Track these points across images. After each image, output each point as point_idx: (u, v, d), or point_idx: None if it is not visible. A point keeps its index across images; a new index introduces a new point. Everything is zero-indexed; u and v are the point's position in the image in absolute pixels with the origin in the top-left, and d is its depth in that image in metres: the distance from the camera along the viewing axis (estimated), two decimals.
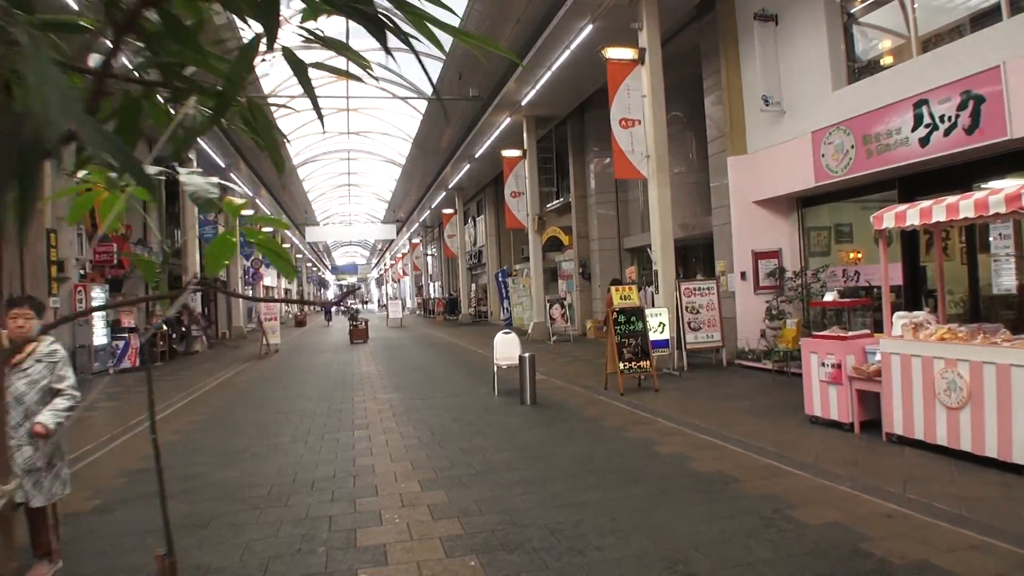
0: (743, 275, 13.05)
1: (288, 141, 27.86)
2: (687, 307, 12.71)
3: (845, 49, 11.22)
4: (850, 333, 7.29)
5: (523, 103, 19.24)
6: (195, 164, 24.32)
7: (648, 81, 12.74)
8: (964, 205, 5.65)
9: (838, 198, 11.95)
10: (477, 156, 25.97)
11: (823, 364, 7.17)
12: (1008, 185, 5.62)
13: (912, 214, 6.15)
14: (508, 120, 21.05)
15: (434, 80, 20.20)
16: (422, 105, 23.89)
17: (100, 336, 17.38)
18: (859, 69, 11.09)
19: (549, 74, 16.70)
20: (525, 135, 21.12)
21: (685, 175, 17.03)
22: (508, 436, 7.71)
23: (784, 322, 11.55)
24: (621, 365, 10.18)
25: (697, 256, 17.95)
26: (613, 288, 11.02)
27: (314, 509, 5.39)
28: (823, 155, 10.98)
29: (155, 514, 5.39)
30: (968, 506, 4.75)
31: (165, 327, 20.91)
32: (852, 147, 10.34)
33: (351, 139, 35.35)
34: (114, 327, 18.19)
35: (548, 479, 5.90)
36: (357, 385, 12.78)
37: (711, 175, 14.10)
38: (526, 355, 9.85)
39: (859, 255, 11.89)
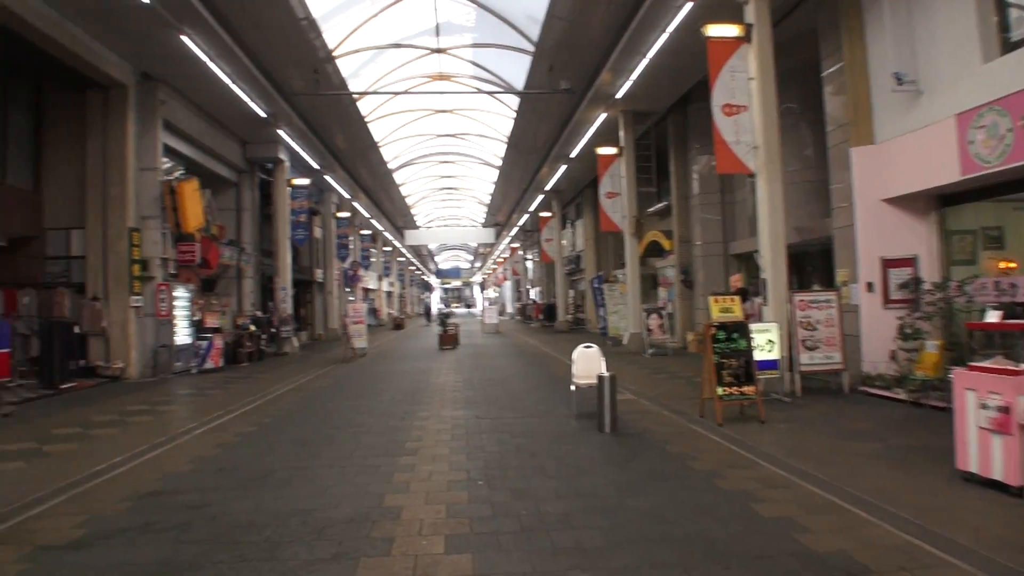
0: (869, 286, 11.16)
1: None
2: (802, 322, 10.95)
3: (998, 12, 9.23)
4: (1023, 366, 5.54)
5: (618, 96, 17.79)
6: (288, 166, 24.21)
7: (756, 61, 11.09)
8: None
9: (988, 195, 9.93)
10: (573, 156, 24.67)
11: (984, 406, 5.45)
12: None
13: None
14: (603, 116, 19.63)
15: (523, 75, 19.17)
16: (516, 103, 22.81)
17: (183, 336, 17.20)
18: (1017, 37, 9.09)
19: (645, 62, 15.19)
20: (621, 132, 19.64)
21: (799, 172, 15.11)
22: (573, 476, 6.37)
23: (922, 343, 9.65)
24: (720, 390, 8.63)
25: (813, 264, 15.96)
26: (712, 299, 9.47)
27: (305, 570, 4.28)
28: (971, 142, 9.06)
29: (137, 556, 4.57)
30: None
31: (253, 327, 20.74)
32: (1009, 131, 8.42)
33: (448, 141, 34.77)
34: (198, 327, 18.03)
35: (609, 548, 4.54)
36: (427, 398, 11.72)
37: (831, 171, 12.27)
38: (606, 375, 8.47)
39: (1012, 264, 9.84)
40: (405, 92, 23.90)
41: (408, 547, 4.65)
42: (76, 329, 14.39)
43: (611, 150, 20.48)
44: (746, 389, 8.72)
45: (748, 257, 17.48)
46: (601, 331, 24.16)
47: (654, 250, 22.00)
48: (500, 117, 27.61)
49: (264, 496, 5.94)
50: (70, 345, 13.77)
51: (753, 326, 9.67)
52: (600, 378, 8.47)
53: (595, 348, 9.89)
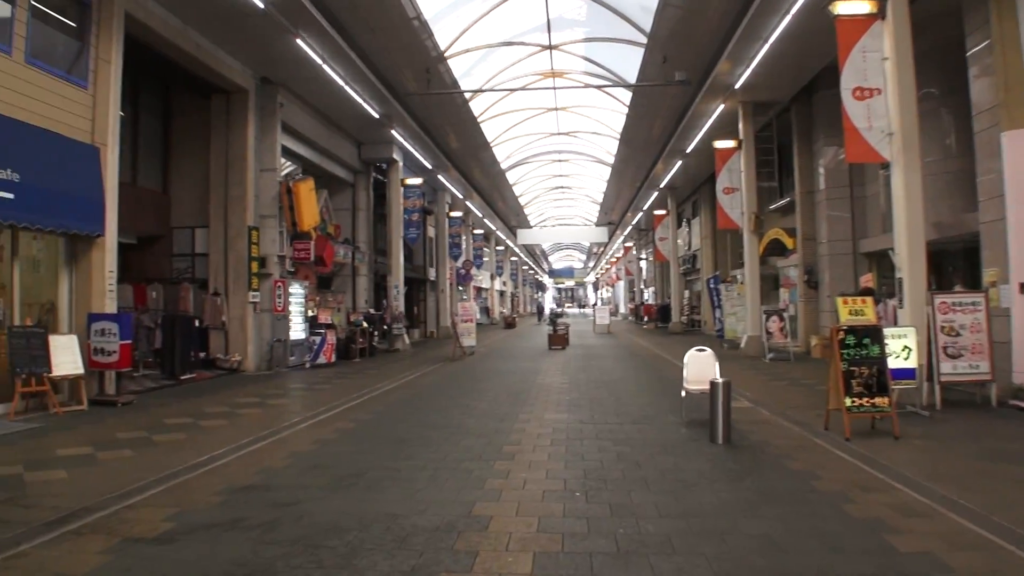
0: (1023, 287, 9.91)
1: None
2: (943, 327, 9.83)
3: None
4: None
5: (737, 86, 16.84)
6: (401, 166, 24.54)
7: (891, 39, 10.07)
8: None
9: None
10: (689, 151, 23.72)
11: None
12: None
13: None
14: (721, 107, 18.68)
15: (636, 68, 18.50)
16: (628, 98, 22.15)
17: (298, 331, 17.66)
18: None
19: (766, 48, 14.25)
20: (741, 124, 18.62)
21: (939, 163, 13.70)
22: (679, 491, 5.83)
23: None
24: (848, 401, 7.80)
25: (954, 263, 14.49)
26: (840, 300, 8.61)
27: None
28: None
29: (217, 554, 4.45)
30: None
31: (366, 324, 21.11)
32: None
33: (560, 140, 34.45)
34: (312, 323, 18.48)
35: None
36: (531, 399, 11.38)
37: (977, 159, 11.03)
38: (720, 380, 7.84)
39: None
40: (516, 89, 23.75)
41: (492, 564, 4.28)
42: (197, 323, 14.99)
43: (729, 143, 19.49)
44: (878, 400, 7.84)
45: (880, 256, 16.14)
46: (717, 333, 23.09)
47: (775, 249, 20.77)
48: (613, 113, 27.02)
49: (352, 497, 5.76)
50: (191, 338, 14.34)
51: (887, 331, 8.73)
52: (713, 384, 7.84)
53: (709, 351, 9.24)
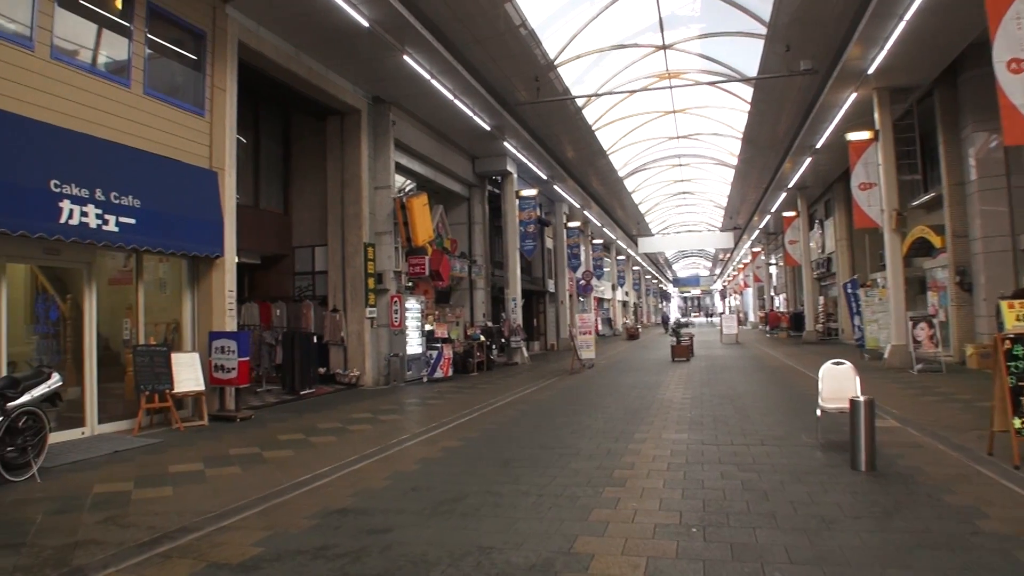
0: None
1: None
2: None
3: None
4: None
5: (870, 71, 15.43)
6: (516, 176, 24.39)
7: None
8: None
9: None
10: (819, 146, 22.13)
11: None
12: None
13: None
14: (853, 96, 17.22)
15: (756, 60, 17.42)
16: (749, 94, 20.98)
17: (415, 346, 17.72)
18: None
19: (902, 26, 12.91)
20: (876, 112, 17.08)
21: None
22: (814, 530, 5.03)
23: None
24: (1017, 422, 6.68)
25: None
26: (1006, 303, 7.47)
27: None
28: None
29: None
30: None
31: (483, 338, 21.00)
32: None
33: (680, 143, 33.32)
34: (429, 337, 18.52)
35: None
36: (649, 417, 10.66)
37: None
38: (861, 399, 6.92)
39: None
40: (631, 91, 23.07)
41: None
42: (317, 339, 15.28)
43: (864, 135, 17.96)
44: None
45: None
46: (857, 343, 21.33)
47: (921, 248, 18.94)
48: (733, 112, 25.79)
49: (447, 525, 5.38)
50: (310, 354, 14.62)
51: None
52: (854, 402, 6.94)
53: (847, 365, 8.26)
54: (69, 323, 9.69)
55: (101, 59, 9.71)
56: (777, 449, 7.95)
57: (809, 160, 24.29)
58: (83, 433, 9.31)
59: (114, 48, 9.82)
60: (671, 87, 22.72)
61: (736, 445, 8.26)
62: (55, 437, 8.92)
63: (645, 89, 23.16)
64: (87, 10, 9.48)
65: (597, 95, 21.76)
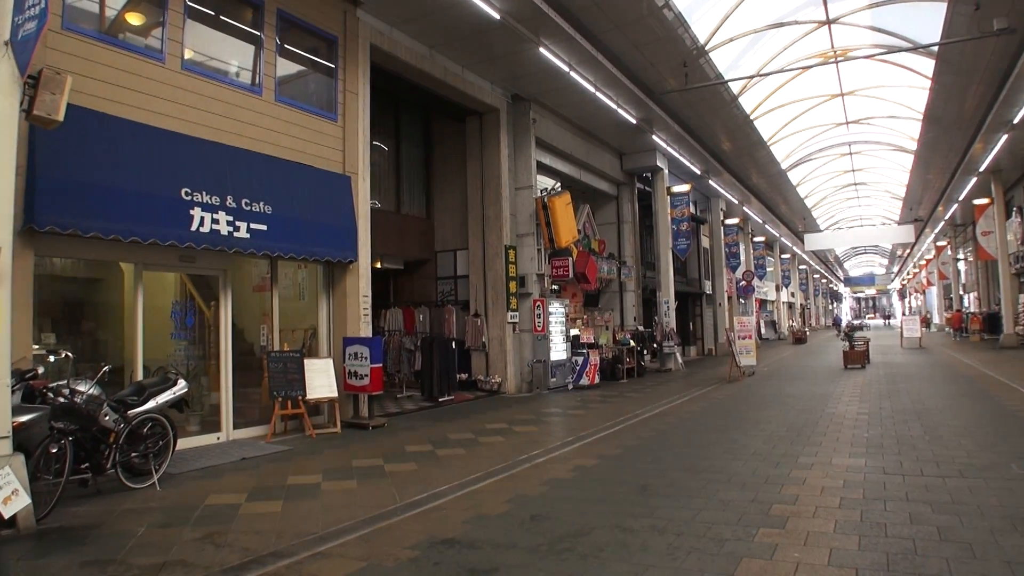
0: None
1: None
2: None
3: None
4: None
5: None
6: (666, 172, 23.20)
7: None
8: None
9: None
10: (1016, 121, 19.25)
11: None
12: None
13: None
14: None
15: (938, 26, 15.26)
16: (930, 68, 18.56)
17: (559, 351, 17.05)
18: None
19: None
20: None
21: None
22: None
23: None
24: None
25: None
26: None
27: None
28: None
29: None
30: None
31: (633, 343, 20.02)
32: None
33: (850, 129, 30.51)
34: (574, 342, 17.80)
35: None
36: (816, 436, 9.25)
37: None
38: None
39: None
40: (790, 69, 21.17)
41: None
42: (455, 344, 15.00)
43: None
44: None
45: None
46: None
47: None
48: (911, 90, 23.04)
49: (561, 571, 4.59)
50: (449, 360, 14.32)
51: None
52: None
53: None
54: (208, 329, 9.88)
55: (231, 68, 9.85)
56: (982, 483, 6.45)
57: (1005, 138, 21.24)
58: (218, 438, 9.42)
59: (244, 57, 9.94)
60: (836, 61, 20.62)
61: (927, 476, 6.83)
62: (191, 442, 9.10)
63: (809, 68, 21.18)
64: (217, 21, 9.64)
65: (761, 75, 19.99)
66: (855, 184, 43.43)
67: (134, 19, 8.59)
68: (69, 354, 6.76)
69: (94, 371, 6.96)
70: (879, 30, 19.65)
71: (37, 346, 7.67)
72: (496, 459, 8.28)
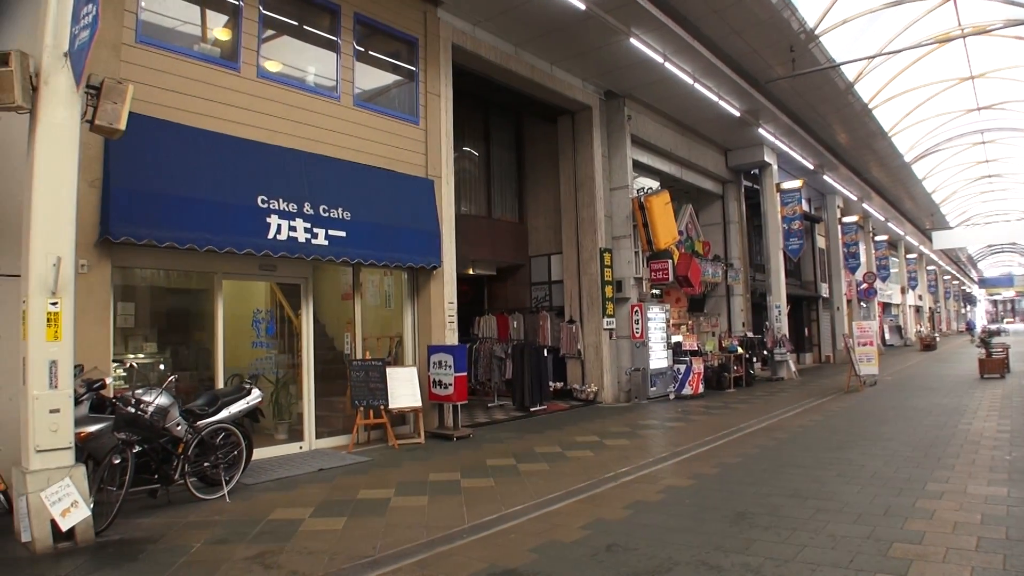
0: None
1: None
2: None
3: None
4: None
5: None
6: (775, 167, 21.89)
7: None
8: None
9: None
10: None
11: None
12: None
13: None
14: None
15: None
16: None
17: (659, 359, 16.21)
18: None
19: None
20: None
21: None
22: None
23: None
24: None
25: None
26: None
27: None
28: None
29: None
30: None
31: (741, 349, 18.92)
32: None
33: (982, 116, 28.00)
34: (676, 349, 16.91)
35: None
36: (948, 458, 8.09)
37: None
38: None
39: None
40: (912, 47, 19.50)
41: None
42: (548, 352, 14.49)
43: None
44: None
45: None
46: None
47: None
48: None
49: None
50: (540, 368, 13.82)
51: None
52: None
53: None
54: (291, 338, 9.81)
55: (308, 75, 9.77)
56: None
57: None
58: (300, 448, 9.30)
59: (321, 62, 9.82)
60: (964, 39, 18.77)
61: None
62: (276, 451, 9.03)
63: (934, 46, 19.42)
64: (293, 28, 9.58)
65: (882, 53, 18.40)
66: (989, 176, 39.98)
67: (209, 30, 8.61)
68: (135, 364, 6.73)
69: (161, 380, 6.91)
70: (1013, 2, 17.74)
71: (132, 356, 7.77)
72: (580, 476, 7.70)
